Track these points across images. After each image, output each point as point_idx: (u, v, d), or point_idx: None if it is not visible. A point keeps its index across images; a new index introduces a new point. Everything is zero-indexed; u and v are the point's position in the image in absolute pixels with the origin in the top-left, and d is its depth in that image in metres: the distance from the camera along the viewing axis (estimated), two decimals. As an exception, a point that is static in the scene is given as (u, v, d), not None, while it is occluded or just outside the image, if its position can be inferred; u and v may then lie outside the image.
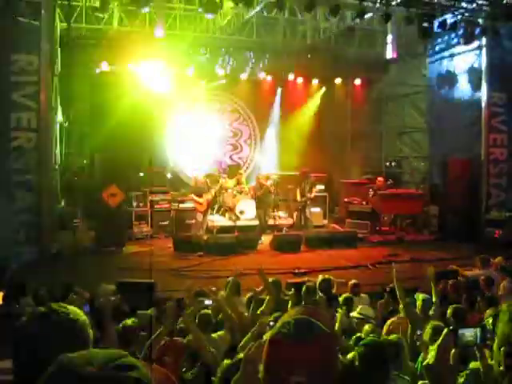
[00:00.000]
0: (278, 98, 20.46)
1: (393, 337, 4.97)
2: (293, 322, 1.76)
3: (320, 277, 8.41)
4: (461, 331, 3.85)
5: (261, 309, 6.38)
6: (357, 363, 3.41)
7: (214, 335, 6.01)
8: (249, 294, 7.22)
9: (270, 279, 7.25)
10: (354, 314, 6.66)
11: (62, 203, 15.54)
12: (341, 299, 7.29)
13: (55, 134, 14.68)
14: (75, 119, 17.07)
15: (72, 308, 1.95)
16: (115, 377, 1.30)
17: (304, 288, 7.40)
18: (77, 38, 16.29)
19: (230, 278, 7.22)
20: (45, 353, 1.72)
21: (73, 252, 13.45)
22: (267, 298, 6.68)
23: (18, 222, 12.32)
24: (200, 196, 14.88)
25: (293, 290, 7.76)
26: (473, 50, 16.31)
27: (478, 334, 3.82)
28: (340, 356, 3.49)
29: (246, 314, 6.56)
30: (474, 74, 16.81)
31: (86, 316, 1.94)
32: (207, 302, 7.08)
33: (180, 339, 5.84)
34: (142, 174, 16.79)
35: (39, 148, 12.52)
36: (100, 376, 1.29)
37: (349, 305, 7.12)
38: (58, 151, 15.12)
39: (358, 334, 5.36)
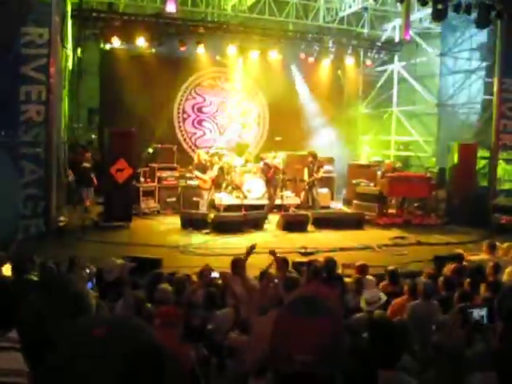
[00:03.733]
0: (288, 78, 20.36)
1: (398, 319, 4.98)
2: (300, 301, 1.76)
3: (325, 257, 8.44)
4: (469, 310, 3.88)
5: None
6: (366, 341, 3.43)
7: (218, 312, 6.05)
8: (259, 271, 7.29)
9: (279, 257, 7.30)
10: (362, 299, 6.67)
11: (70, 177, 15.58)
12: (350, 280, 7.33)
13: (64, 108, 14.67)
14: (84, 93, 17.06)
15: (71, 277, 1.96)
16: (127, 338, 1.30)
17: (310, 268, 7.42)
18: (87, 12, 16.23)
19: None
20: (48, 322, 1.73)
21: (80, 226, 13.51)
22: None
23: (25, 196, 12.35)
24: (204, 173, 14.86)
25: (303, 268, 7.81)
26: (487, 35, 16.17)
27: (485, 313, 3.84)
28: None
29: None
30: (487, 59, 16.69)
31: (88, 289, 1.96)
32: (214, 274, 7.13)
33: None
34: (150, 150, 16.76)
35: (48, 121, 12.49)
36: (111, 337, 1.29)
37: (358, 285, 7.17)
38: (66, 125, 15.12)
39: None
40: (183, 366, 3.14)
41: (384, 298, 6.56)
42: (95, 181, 14.78)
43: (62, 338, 1.36)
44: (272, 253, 7.00)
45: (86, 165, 14.99)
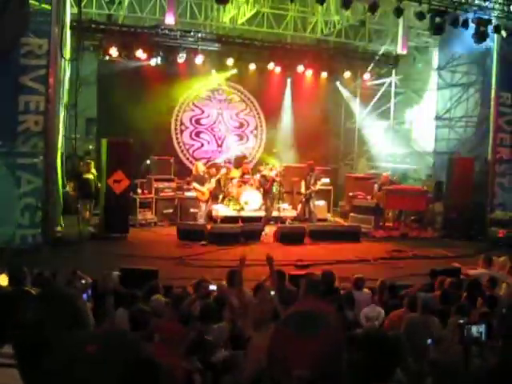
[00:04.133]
0: (286, 90, 20.41)
1: (393, 332, 4.97)
2: (299, 315, 1.76)
3: (323, 270, 8.43)
4: (467, 326, 3.87)
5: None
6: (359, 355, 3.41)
7: (214, 326, 6.03)
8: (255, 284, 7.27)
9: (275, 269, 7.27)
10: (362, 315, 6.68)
11: (67, 188, 15.55)
12: (342, 295, 7.32)
13: (62, 118, 14.67)
14: (82, 104, 17.05)
15: (71, 291, 1.96)
16: (119, 354, 1.30)
17: (308, 281, 7.40)
18: (87, 23, 16.26)
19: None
20: (44, 334, 1.73)
21: (76, 237, 13.47)
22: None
23: (22, 206, 12.34)
24: (202, 185, 14.85)
25: (300, 281, 7.79)
26: (484, 49, 16.23)
27: (484, 330, 3.83)
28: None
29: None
30: (483, 72, 16.77)
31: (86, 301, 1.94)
32: (212, 287, 7.11)
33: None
34: (148, 162, 16.79)
35: (46, 132, 12.52)
36: (104, 353, 1.29)
37: (350, 300, 7.15)
38: (63, 136, 15.11)
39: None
40: (178, 381, 3.13)
41: (383, 314, 6.56)
42: None
43: (58, 350, 1.36)
44: (269, 259, 6.94)
45: (88, 176, 15.00)
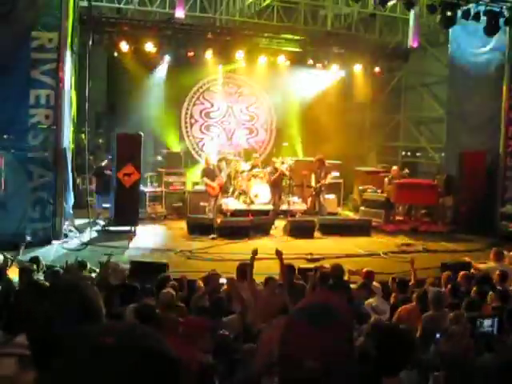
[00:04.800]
0: (296, 84, 20.32)
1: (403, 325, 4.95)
2: (311, 307, 1.75)
3: (332, 263, 8.43)
4: (479, 320, 3.86)
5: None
6: (372, 349, 3.41)
7: (224, 319, 6.04)
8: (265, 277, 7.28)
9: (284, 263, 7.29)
10: (367, 302, 6.67)
11: (77, 181, 15.59)
12: (356, 286, 7.32)
13: (72, 112, 14.71)
14: (92, 98, 17.08)
15: (80, 282, 1.95)
16: (135, 347, 1.29)
17: (317, 274, 7.40)
18: (97, 17, 16.26)
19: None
20: (58, 326, 1.73)
21: (87, 230, 13.51)
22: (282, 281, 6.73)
23: (33, 199, 12.38)
24: (213, 179, 14.82)
25: (309, 274, 7.81)
26: (496, 41, 16.09)
27: (495, 324, 3.82)
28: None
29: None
30: (495, 66, 16.63)
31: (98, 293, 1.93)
32: (222, 280, 7.12)
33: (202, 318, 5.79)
34: (159, 158, 16.83)
35: (57, 125, 12.55)
36: (119, 346, 1.28)
37: (365, 291, 7.16)
38: (73, 129, 15.14)
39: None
40: (193, 375, 3.14)
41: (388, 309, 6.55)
42: None
43: (70, 343, 1.36)
44: (278, 253, 7.00)
45: (109, 172, 15.04)
